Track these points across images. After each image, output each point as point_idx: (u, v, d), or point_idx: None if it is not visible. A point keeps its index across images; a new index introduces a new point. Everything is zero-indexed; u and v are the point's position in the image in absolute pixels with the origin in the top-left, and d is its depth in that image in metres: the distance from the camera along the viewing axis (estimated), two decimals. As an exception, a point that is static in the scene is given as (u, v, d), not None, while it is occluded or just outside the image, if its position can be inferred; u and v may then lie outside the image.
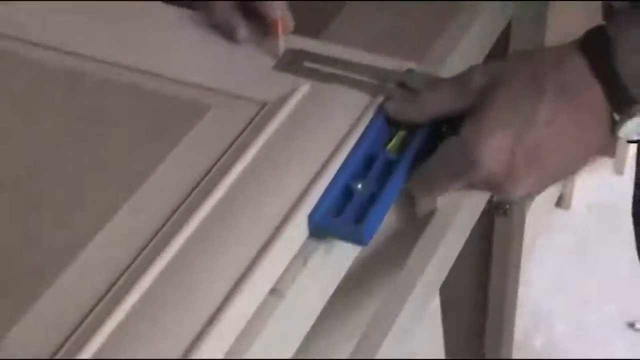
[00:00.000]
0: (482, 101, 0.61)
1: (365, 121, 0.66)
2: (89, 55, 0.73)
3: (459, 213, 0.85)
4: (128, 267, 0.58)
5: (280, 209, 0.61)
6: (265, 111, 0.68)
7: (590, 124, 0.60)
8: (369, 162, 0.64)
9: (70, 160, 0.66)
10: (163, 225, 0.61)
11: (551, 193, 1.76)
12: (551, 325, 1.68)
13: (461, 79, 0.63)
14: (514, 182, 0.61)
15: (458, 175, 0.62)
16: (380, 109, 0.66)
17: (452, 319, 1.05)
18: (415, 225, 0.86)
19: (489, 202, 0.99)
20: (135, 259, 0.59)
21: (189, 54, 0.73)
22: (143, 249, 0.59)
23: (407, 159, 0.64)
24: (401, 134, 0.66)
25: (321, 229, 0.61)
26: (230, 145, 0.66)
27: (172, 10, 0.77)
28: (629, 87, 0.58)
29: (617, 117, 0.59)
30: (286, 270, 0.59)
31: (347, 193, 0.62)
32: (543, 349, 1.64)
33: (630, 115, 0.59)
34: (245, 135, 0.66)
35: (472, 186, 0.63)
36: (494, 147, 0.60)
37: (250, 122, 0.67)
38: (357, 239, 0.60)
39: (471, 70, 0.63)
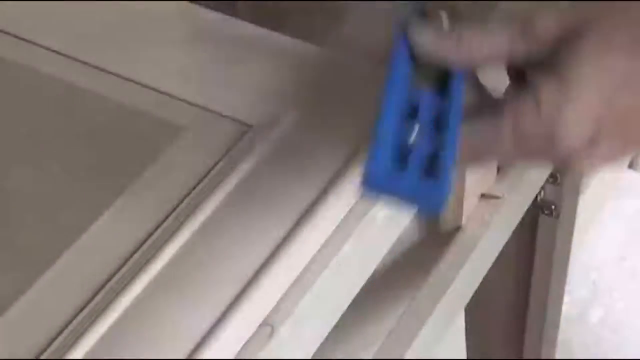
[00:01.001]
0: (560, 55, 0.50)
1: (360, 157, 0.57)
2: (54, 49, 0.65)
3: (486, 232, 0.77)
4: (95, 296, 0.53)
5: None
6: (250, 134, 0.60)
7: None
8: (409, 108, 0.51)
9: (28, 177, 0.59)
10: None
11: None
12: (611, 298, 1.60)
13: (522, 23, 0.51)
14: (592, 155, 0.51)
15: (526, 151, 0.52)
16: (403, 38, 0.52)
17: (487, 327, 0.97)
18: (438, 240, 0.78)
19: (534, 201, 0.90)
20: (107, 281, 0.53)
21: (169, 60, 0.65)
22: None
23: (457, 103, 0.51)
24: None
25: (382, 188, 0.47)
26: (208, 173, 0.58)
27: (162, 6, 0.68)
28: None
29: None
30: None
31: (401, 149, 0.49)
32: (599, 325, 1.57)
33: None
34: (225, 162, 0.59)
35: (537, 160, 0.53)
36: (579, 119, 0.50)
37: (234, 146, 0.59)
38: (434, 199, 0.47)
39: (536, 14, 0.51)
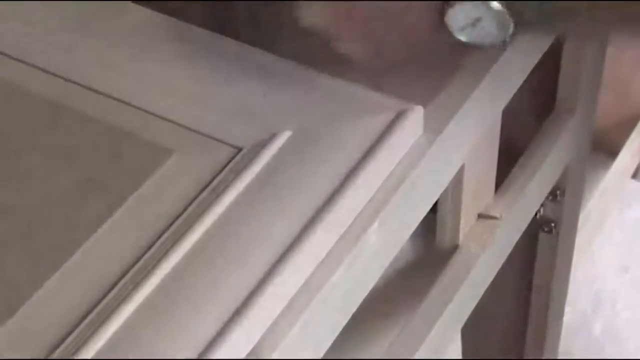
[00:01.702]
0: None
1: (357, 177, 0.56)
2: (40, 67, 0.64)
3: (484, 252, 0.75)
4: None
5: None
6: (240, 157, 0.58)
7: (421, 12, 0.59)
8: None
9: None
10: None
11: (629, 162, 1.64)
12: (613, 309, 1.58)
13: None
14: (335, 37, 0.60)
15: None
16: None
17: (486, 341, 0.96)
18: (435, 260, 0.77)
19: (533, 218, 0.89)
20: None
21: (156, 80, 0.63)
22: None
23: None
24: None
25: None
26: (195, 198, 0.56)
27: (152, 19, 0.66)
28: None
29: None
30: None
31: None
32: (602, 336, 1.55)
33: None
34: (213, 186, 0.57)
35: None
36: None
37: (222, 169, 0.58)
38: None
39: None
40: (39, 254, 0.55)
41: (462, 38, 0.60)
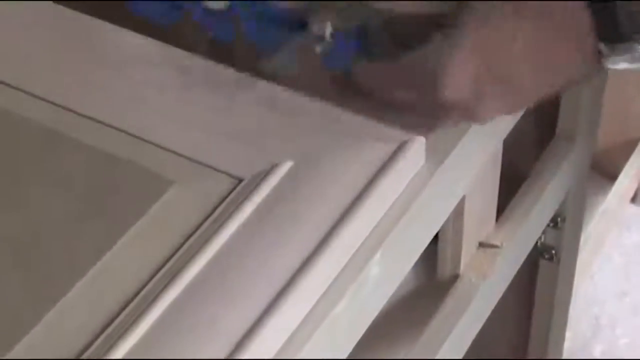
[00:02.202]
0: (455, 16, 0.56)
1: (359, 208, 0.56)
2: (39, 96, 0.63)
3: (485, 282, 0.75)
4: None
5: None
6: (241, 188, 0.58)
7: (571, 51, 0.56)
8: None
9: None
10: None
11: (627, 187, 1.63)
12: (613, 333, 1.58)
13: None
14: (480, 107, 0.58)
15: (416, 98, 0.58)
16: None
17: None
18: (436, 289, 0.76)
19: (534, 245, 0.88)
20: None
21: (159, 108, 0.63)
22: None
23: None
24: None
25: None
26: (195, 231, 0.56)
27: (152, 47, 0.66)
28: (622, 23, 0.54)
29: (604, 48, 0.55)
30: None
31: None
32: (601, 361, 1.54)
33: (617, 50, 0.55)
34: (216, 215, 0.56)
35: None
36: (460, 78, 0.56)
37: (222, 201, 0.57)
38: None
39: None
40: (37, 286, 0.55)
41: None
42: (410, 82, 0.58)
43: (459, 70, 0.56)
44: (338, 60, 0.61)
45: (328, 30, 0.62)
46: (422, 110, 0.59)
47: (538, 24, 0.55)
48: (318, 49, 0.62)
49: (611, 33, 0.54)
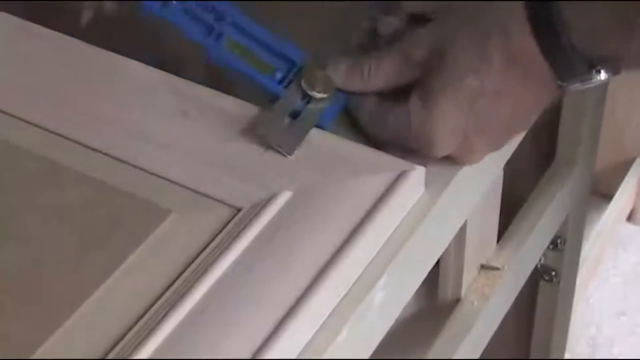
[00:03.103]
0: (428, 74, 0.60)
1: (358, 238, 0.55)
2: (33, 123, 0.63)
3: (487, 305, 0.75)
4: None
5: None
6: (239, 218, 0.57)
7: (538, 88, 0.59)
8: None
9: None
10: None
11: (623, 206, 1.64)
12: (610, 354, 1.58)
13: (403, 53, 0.62)
14: (470, 154, 0.61)
15: (410, 149, 0.61)
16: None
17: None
18: (437, 312, 0.76)
19: (534, 267, 0.89)
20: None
21: (154, 138, 0.62)
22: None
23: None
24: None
25: None
26: (192, 261, 0.56)
27: (154, 76, 0.66)
28: (576, 62, 0.57)
29: (562, 83, 0.58)
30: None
31: None
32: (599, 382, 1.54)
33: (575, 82, 0.58)
34: (214, 245, 0.56)
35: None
36: (444, 131, 0.59)
37: (221, 230, 0.57)
38: None
39: (412, 43, 0.61)
40: (36, 316, 0.54)
41: None
42: (400, 143, 0.61)
43: (443, 127, 0.59)
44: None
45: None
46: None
47: (507, 73, 0.58)
48: None
49: (568, 74, 0.57)
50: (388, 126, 0.61)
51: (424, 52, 0.60)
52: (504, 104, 0.59)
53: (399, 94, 0.61)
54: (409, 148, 0.61)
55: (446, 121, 0.59)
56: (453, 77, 0.58)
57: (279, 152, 0.61)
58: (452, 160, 0.61)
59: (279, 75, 0.64)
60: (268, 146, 0.61)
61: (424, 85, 0.60)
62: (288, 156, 0.60)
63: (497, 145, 0.62)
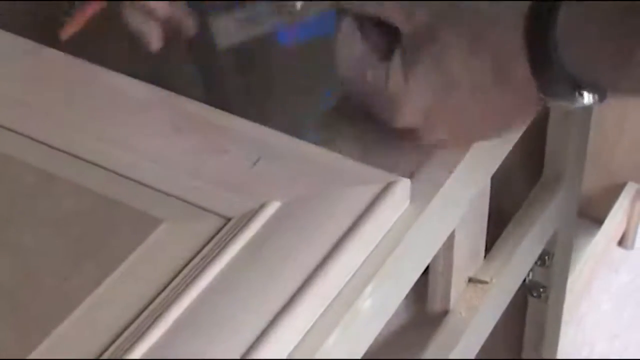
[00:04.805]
0: (416, 45, 0.59)
1: (345, 247, 0.56)
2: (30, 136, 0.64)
3: (474, 317, 0.75)
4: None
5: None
6: (228, 227, 0.58)
7: (519, 97, 0.59)
8: None
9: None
10: None
11: (614, 230, 1.64)
12: (605, 377, 1.57)
13: (407, 5, 0.61)
14: (428, 134, 0.62)
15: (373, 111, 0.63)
16: None
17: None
18: (425, 324, 0.77)
19: (522, 283, 0.89)
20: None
21: (148, 149, 0.63)
22: None
23: None
24: None
25: None
26: (182, 269, 0.56)
27: (145, 90, 0.67)
28: (561, 80, 0.57)
29: (545, 97, 0.58)
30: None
31: None
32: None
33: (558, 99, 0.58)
34: (204, 254, 0.57)
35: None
36: (412, 107, 0.60)
37: (211, 240, 0.58)
38: None
39: (417, 5, 0.60)
40: (27, 324, 0.55)
41: None
42: (368, 101, 0.63)
43: (412, 100, 0.60)
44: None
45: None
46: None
47: (492, 75, 0.58)
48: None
49: (552, 91, 0.57)
50: (364, 80, 0.62)
51: (424, 17, 0.60)
52: (479, 101, 0.59)
53: (381, 55, 0.62)
54: (372, 109, 0.62)
55: (419, 96, 0.60)
56: (439, 59, 0.59)
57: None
58: (410, 136, 0.62)
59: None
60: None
61: (410, 54, 0.60)
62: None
63: (457, 142, 0.63)
